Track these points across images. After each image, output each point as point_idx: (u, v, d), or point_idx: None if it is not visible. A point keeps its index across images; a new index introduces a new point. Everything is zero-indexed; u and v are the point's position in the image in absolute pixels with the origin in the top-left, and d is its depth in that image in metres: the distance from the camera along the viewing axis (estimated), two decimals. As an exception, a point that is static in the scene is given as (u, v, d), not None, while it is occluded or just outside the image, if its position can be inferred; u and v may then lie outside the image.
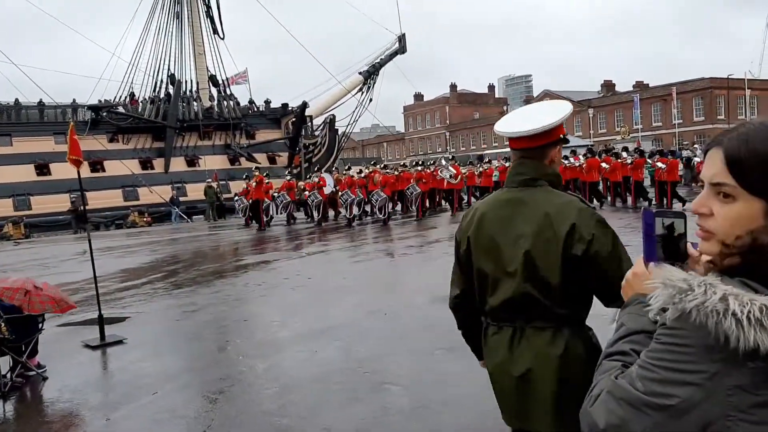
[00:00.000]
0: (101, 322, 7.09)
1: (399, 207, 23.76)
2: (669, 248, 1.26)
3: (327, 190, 22.59)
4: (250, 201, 23.15)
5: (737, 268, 1.16)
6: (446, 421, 4.36)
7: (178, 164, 39.22)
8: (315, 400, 4.90)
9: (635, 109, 56.06)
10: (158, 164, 39.05)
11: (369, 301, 8.57)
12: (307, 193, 23.46)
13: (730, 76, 55.42)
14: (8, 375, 5.63)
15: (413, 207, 22.08)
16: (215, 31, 42.21)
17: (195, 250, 17.12)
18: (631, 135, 56.12)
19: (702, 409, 1.07)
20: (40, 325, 5.96)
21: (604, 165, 20.98)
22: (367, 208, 22.10)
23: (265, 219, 22.84)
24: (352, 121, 45.39)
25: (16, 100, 38.25)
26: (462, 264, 2.56)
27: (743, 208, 1.13)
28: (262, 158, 41.58)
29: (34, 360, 5.96)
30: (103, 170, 37.61)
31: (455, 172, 22.52)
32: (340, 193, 22.01)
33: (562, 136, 2.45)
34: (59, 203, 32.95)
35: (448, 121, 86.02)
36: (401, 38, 45.90)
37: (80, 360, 6.53)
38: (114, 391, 5.52)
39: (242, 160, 40.74)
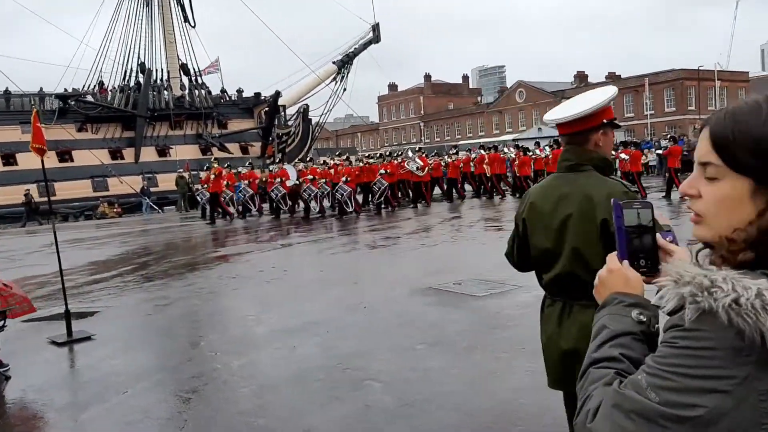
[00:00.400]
0: (68, 317, 6.79)
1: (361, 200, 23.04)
2: (641, 240, 1.22)
3: (289, 182, 21.75)
4: (209, 194, 22.20)
5: (750, 262, 1.04)
6: (432, 420, 4.20)
7: (148, 154, 38.51)
8: (294, 400, 4.71)
9: (607, 99, 56.24)
10: (128, 154, 38.31)
11: (347, 294, 8.38)
12: (268, 182, 22.63)
13: (700, 68, 56.07)
14: (-32, 375, 5.33)
15: (375, 201, 21.04)
16: (186, 19, 41.45)
17: (166, 241, 16.75)
18: (603, 126, 56.46)
19: (731, 417, 0.96)
20: (1, 322, 5.66)
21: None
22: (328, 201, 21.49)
23: (232, 210, 22.45)
24: (325, 111, 45.04)
25: (-20, 87, 37.13)
26: (520, 238, 2.79)
27: (728, 188, 1.06)
28: (234, 148, 41.08)
29: (-4, 359, 5.66)
30: (72, 160, 36.79)
31: (422, 163, 21.92)
32: (303, 187, 21.27)
33: (606, 120, 2.53)
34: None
35: (422, 111, 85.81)
36: (375, 27, 45.55)
37: (46, 357, 6.24)
38: (82, 390, 5.27)
39: (214, 149, 40.16)
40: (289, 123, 44.27)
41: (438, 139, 78.25)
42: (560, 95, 67.27)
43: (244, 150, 41.46)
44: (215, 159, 24.73)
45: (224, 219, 22.13)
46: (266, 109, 42.81)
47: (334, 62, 44.47)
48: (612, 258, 1.26)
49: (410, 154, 24.00)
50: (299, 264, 11.59)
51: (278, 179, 21.80)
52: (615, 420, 1.02)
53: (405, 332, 6.30)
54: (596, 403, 1.07)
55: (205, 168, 25.23)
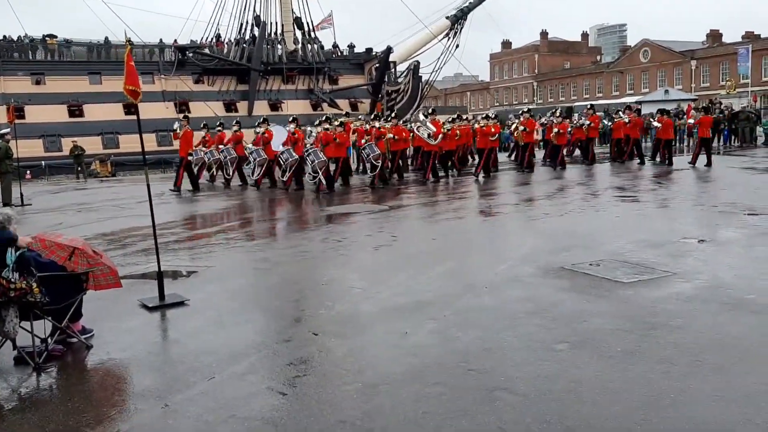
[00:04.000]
0: (161, 279, 6.21)
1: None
2: None
3: (275, 146, 18.13)
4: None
5: None
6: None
7: (261, 108, 38.76)
8: (409, 408, 3.80)
9: (743, 61, 51.12)
10: (242, 107, 38.79)
11: (464, 269, 7.38)
12: (250, 148, 18.78)
13: None
14: (48, 341, 4.79)
15: (368, 170, 17.75)
16: (302, -29, 41.01)
17: (275, 196, 16.31)
18: (737, 90, 51.63)
19: None
20: (85, 284, 5.09)
21: (586, 123, 21.38)
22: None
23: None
24: (436, 68, 43.60)
25: (106, 38, 38.49)
26: None
27: None
28: (344, 104, 40.66)
29: (78, 324, 5.10)
30: (189, 111, 37.63)
31: (435, 129, 18.01)
32: (280, 150, 17.52)
33: None
34: (146, 142, 33.10)
35: (536, 71, 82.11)
36: (493, -19, 43.37)
37: (133, 325, 5.66)
38: (165, 371, 4.59)
39: (324, 105, 39.93)
40: (399, 80, 43.26)
41: (552, 100, 74.72)
42: (690, 55, 62.06)
43: (354, 106, 40.96)
44: (185, 117, 19.80)
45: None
46: (377, 65, 42.00)
47: (447, 17, 42.89)
48: None
49: (421, 117, 20.08)
50: (410, 229, 10.68)
51: (262, 142, 18.33)
52: None
53: (539, 324, 5.22)
54: None
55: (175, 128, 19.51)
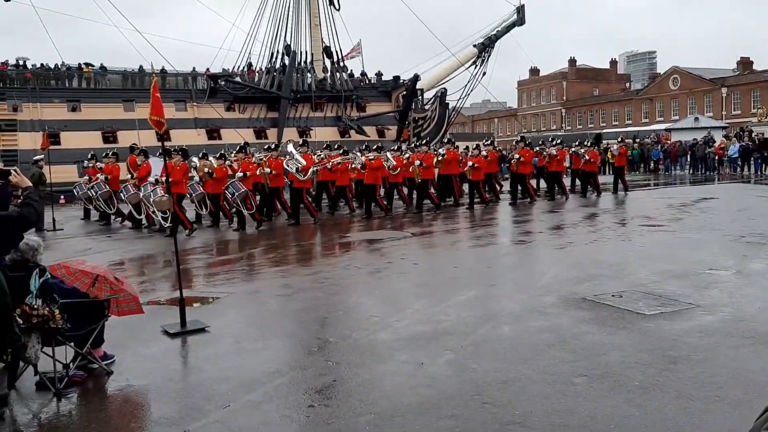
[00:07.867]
0: (182, 307, 6.30)
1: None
2: None
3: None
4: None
5: None
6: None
7: (290, 135, 39.22)
8: (420, 441, 3.79)
9: (774, 89, 50.45)
10: (271, 134, 39.25)
11: (484, 299, 7.34)
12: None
13: None
14: (69, 367, 4.88)
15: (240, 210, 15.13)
16: (331, 2, 41.73)
17: (299, 225, 16.42)
18: (768, 118, 50.90)
19: None
20: (107, 311, 5.19)
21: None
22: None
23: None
24: (463, 95, 43.86)
25: (140, 67, 39.46)
26: None
27: None
28: (371, 131, 41.01)
29: (99, 350, 5.20)
30: (220, 138, 38.25)
31: (304, 163, 15.63)
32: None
33: None
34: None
35: (564, 97, 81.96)
36: (520, 9, 43.62)
37: (154, 351, 5.75)
38: (182, 398, 4.64)
39: (352, 132, 40.34)
40: (426, 107, 43.57)
41: (580, 127, 74.31)
42: (720, 83, 61.44)
43: (381, 133, 41.30)
44: (113, 153, 18.88)
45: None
46: (404, 92, 42.36)
47: (474, 45, 43.18)
48: None
49: (290, 148, 17.26)
50: (431, 257, 10.68)
51: (134, 178, 16.64)
52: None
53: (558, 356, 5.17)
54: None
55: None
